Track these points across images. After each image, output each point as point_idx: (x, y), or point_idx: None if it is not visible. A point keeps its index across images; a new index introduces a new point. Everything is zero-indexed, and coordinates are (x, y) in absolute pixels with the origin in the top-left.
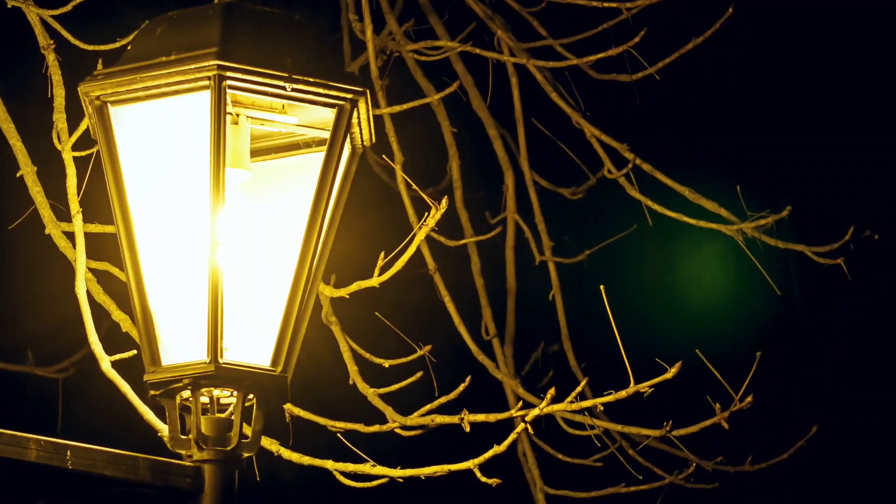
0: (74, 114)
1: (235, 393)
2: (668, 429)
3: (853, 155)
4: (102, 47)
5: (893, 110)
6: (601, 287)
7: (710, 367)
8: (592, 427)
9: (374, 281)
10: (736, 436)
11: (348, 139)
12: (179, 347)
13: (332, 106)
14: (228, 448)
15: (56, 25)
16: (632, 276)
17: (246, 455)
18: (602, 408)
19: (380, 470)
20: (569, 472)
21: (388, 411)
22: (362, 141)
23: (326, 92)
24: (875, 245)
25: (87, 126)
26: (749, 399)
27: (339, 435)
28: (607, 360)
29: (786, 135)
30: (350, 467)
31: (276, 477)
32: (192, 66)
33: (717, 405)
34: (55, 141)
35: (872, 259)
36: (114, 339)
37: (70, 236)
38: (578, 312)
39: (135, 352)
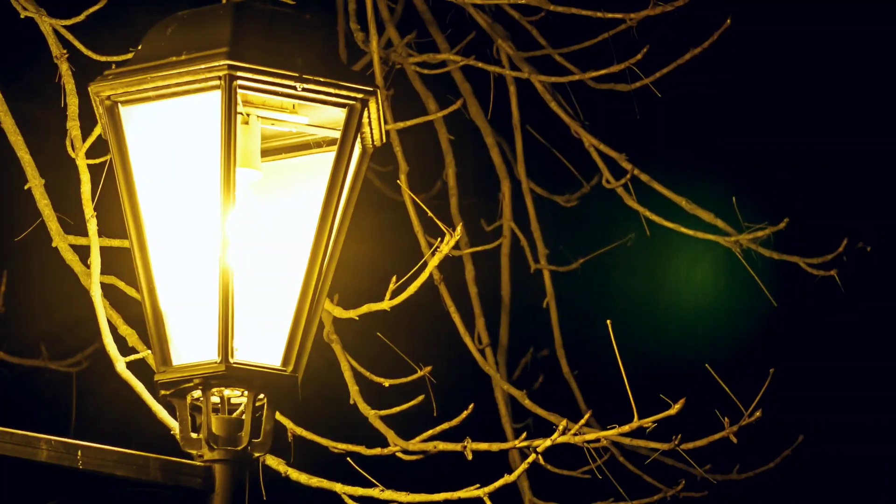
0: (87, 121)
1: (246, 393)
2: (676, 442)
3: (847, 167)
4: (115, 58)
5: (888, 122)
6: (608, 322)
7: (720, 381)
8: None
9: (385, 305)
10: (723, 445)
11: (359, 139)
12: (190, 347)
13: (342, 106)
14: (239, 448)
15: (69, 36)
16: (626, 284)
17: (257, 455)
18: (606, 442)
19: (389, 495)
20: (559, 483)
21: (390, 434)
22: (372, 141)
23: (337, 92)
24: (868, 257)
25: (100, 133)
26: (758, 414)
27: (348, 459)
28: (600, 368)
29: (781, 146)
30: (359, 491)
31: (283, 482)
32: (203, 66)
33: (727, 419)
34: (69, 148)
35: (866, 271)
36: (125, 339)
37: (76, 249)
38: (572, 320)
39: (149, 352)
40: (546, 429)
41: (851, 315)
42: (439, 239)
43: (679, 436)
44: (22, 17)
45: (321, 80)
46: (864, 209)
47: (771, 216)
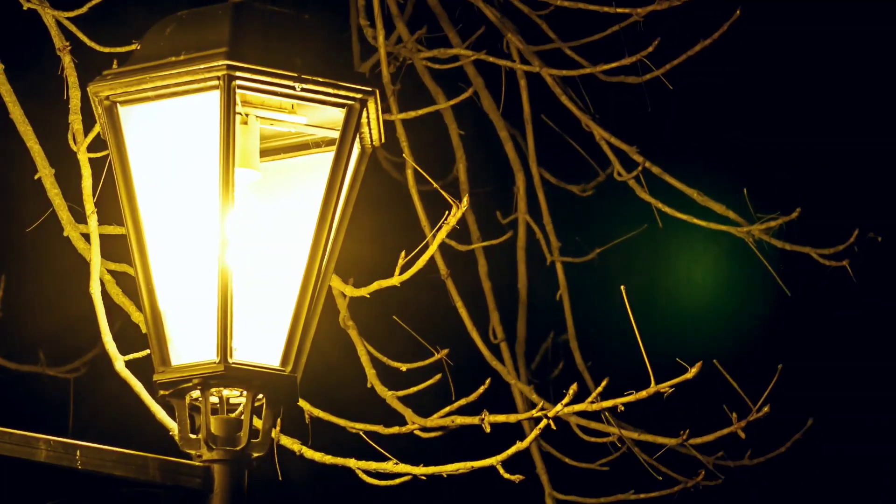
0: (90, 115)
1: (245, 393)
2: (684, 437)
3: (859, 157)
4: (118, 49)
5: None
6: (622, 287)
7: (728, 378)
8: (607, 434)
9: (395, 280)
10: (733, 440)
11: (358, 139)
12: (189, 347)
13: (341, 106)
14: (238, 448)
15: (72, 27)
16: (640, 275)
17: (256, 455)
18: (623, 408)
19: (402, 468)
20: (579, 476)
21: (408, 413)
22: (371, 141)
23: (336, 92)
24: (879, 247)
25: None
26: (766, 409)
27: (362, 434)
28: (614, 360)
29: (793, 137)
30: (373, 466)
31: (286, 477)
32: (202, 66)
33: (734, 414)
34: (70, 142)
35: (877, 261)
36: (125, 338)
37: (87, 238)
38: (588, 313)
39: (148, 351)
40: (567, 426)
41: (864, 306)
42: (447, 212)
43: (687, 431)
44: (25, 8)
45: (320, 80)
46: (875, 199)
47: (782, 207)
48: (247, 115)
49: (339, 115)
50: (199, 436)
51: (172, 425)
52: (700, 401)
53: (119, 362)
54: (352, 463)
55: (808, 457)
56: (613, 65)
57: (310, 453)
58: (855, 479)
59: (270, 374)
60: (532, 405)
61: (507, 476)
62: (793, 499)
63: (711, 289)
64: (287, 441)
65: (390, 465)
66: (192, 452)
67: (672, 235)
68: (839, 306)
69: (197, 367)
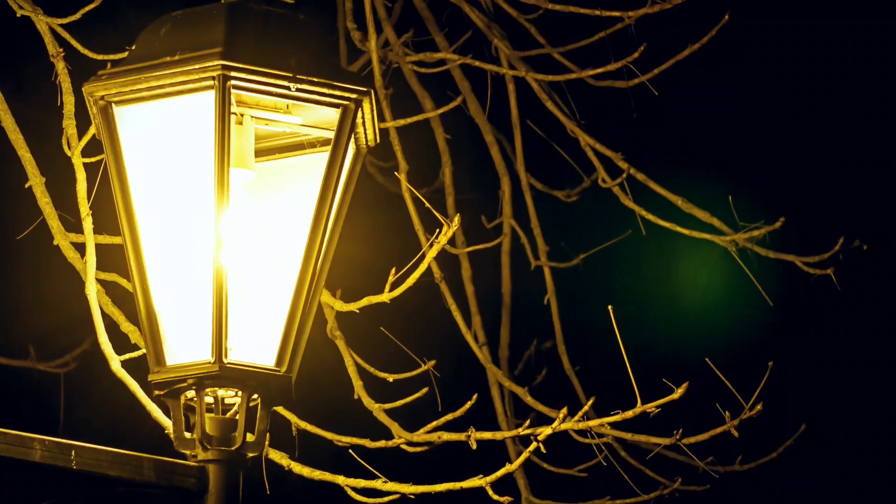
0: (84, 120)
1: (240, 393)
2: (677, 437)
3: (843, 165)
4: (111, 56)
5: (885, 120)
6: (609, 308)
7: (721, 377)
8: (601, 436)
9: (385, 297)
10: (728, 438)
11: (352, 139)
12: (184, 347)
13: (336, 106)
14: (233, 448)
15: (65, 34)
16: (626, 280)
17: (250, 455)
18: (608, 427)
19: (391, 486)
20: (556, 481)
21: (395, 427)
22: (366, 141)
23: (331, 92)
24: (864, 255)
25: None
26: (759, 407)
27: (350, 451)
28: (601, 363)
29: (777, 145)
30: (361, 483)
31: (281, 481)
32: (197, 66)
33: (727, 413)
34: (65, 147)
35: (862, 269)
36: (120, 338)
37: (78, 246)
38: (573, 316)
39: (143, 351)
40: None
41: (848, 313)
42: (437, 230)
43: (680, 430)
44: (18, 15)
45: (315, 80)
46: (860, 208)
47: (767, 215)
48: (242, 115)
49: (334, 115)
50: (194, 436)
51: (168, 424)
52: (690, 407)
53: (115, 362)
54: (340, 480)
55: (803, 458)
56: (599, 70)
57: (298, 468)
58: (849, 480)
59: (265, 374)
60: (516, 415)
61: (496, 497)
62: (790, 499)
63: (700, 295)
64: (276, 455)
65: (379, 483)
66: (187, 452)
67: (660, 241)
68: (828, 311)
69: (192, 367)
